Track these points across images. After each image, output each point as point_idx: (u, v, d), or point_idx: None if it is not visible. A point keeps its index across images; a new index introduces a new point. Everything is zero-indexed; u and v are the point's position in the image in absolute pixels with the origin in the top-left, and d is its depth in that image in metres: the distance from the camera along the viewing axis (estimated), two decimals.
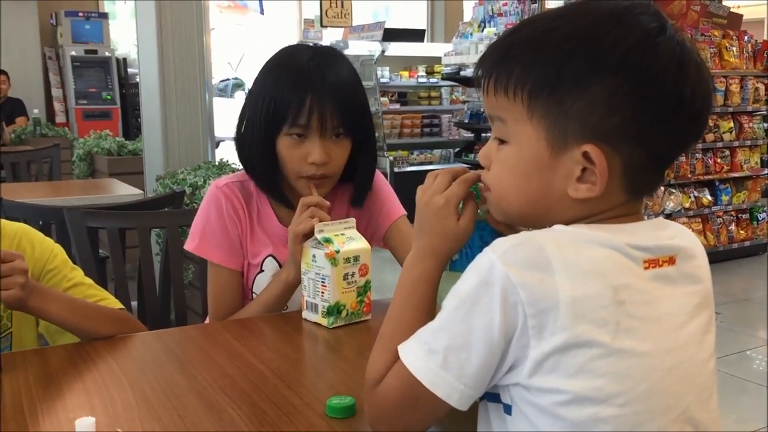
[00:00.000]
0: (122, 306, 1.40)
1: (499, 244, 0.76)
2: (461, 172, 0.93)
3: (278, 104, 1.41)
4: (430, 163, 6.78)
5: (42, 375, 1.13)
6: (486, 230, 0.96)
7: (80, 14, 8.59)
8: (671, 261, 0.80)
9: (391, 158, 6.37)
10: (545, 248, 0.74)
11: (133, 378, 1.12)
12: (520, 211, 0.86)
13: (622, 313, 0.74)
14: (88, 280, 1.39)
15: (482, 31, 5.21)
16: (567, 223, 0.82)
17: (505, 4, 5.06)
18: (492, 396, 0.81)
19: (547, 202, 0.82)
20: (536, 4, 4.76)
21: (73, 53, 8.46)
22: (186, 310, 1.97)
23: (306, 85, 1.40)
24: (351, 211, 1.57)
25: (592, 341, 0.73)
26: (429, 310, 0.88)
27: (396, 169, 6.30)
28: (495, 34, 4.99)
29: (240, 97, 13.38)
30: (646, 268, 0.78)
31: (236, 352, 1.24)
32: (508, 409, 0.78)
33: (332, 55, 1.49)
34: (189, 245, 1.52)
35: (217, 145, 4.71)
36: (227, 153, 4.43)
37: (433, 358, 0.77)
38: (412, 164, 6.66)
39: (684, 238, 0.84)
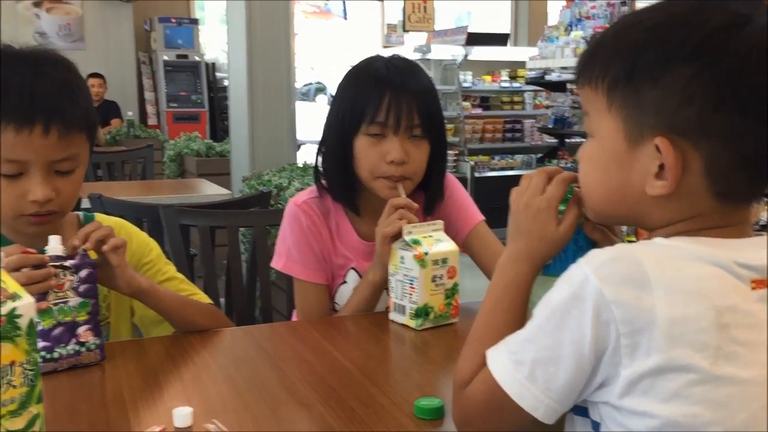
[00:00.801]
0: (212, 301, 1.44)
1: (595, 256, 0.74)
2: (556, 172, 0.92)
3: (357, 104, 1.44)
4: (512, 168, 6.69)
5: (140, 365, 1.17)
6: (580, 234, 0.94)
7: (173, 20, 8.90)
8: None
9: (472, 163, 6.33)
10: (643, 263, 0.71)
11: (225, 371, 1.15)
12: (603, 209, 0.85)
13: (725, 337, 0.70)
14: (181, 275, 1.43)
15: (569, 34, 5.11)
16: (656, 227, 0.79)
17: (594, 7, 4.95)
18: (580, 410, 0.79)
19: (628, 200, 0.79)
20: (626, 7, 4.63)
21: (166, 58, 8.78)
22: (271, 308, 2.01)
23: (384, 86, 1.43)
24: (426, 218, 1.57)
25: (689, 366, 0.69)
26: (520, 314, 0.87)
27: (477, 174, 6.25)
28: (582, 38, 4.89)
29: (321, 101, 13.59)
30: (753, 289, 0.73)
31: (324, 350, 1.25)
32: (596, 426, 0.76)
33: (409, 62, 1.51)
34: (276, 264, 1.55)
35: (299, 148, 4.80)
36: (308, 156, 4.52)
37: (520, 369, 0.76)
38: (493, 169, 6.59)
39: None
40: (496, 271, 0.92)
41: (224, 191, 3.50)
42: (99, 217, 1.39)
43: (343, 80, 1.52)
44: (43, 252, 1.12)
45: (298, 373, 1.14)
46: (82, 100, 1.21)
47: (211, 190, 3.43)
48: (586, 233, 0.94)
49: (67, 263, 1.13)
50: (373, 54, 1.57)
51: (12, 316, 0.79)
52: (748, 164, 0.74)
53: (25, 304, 0.81)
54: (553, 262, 0.94)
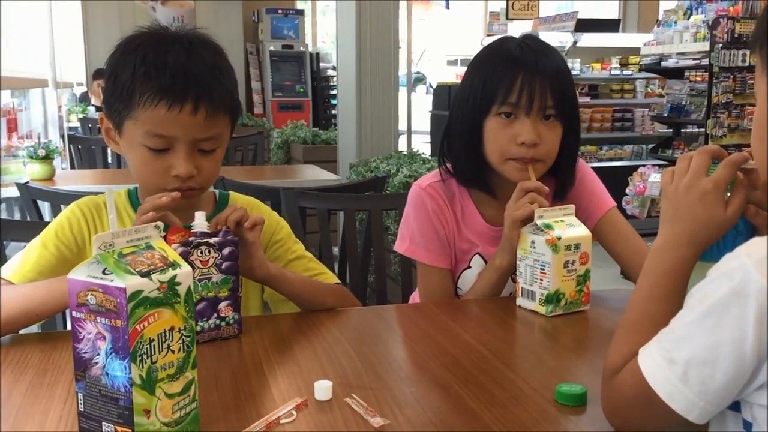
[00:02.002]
0: (338, 281, 1.45)
1: (757, 247, 0.67)
2: (720, 152, 0.86)
3: (488, 85, 1.41)
4: (620, 159, 6.47)
5: (276, 339, 1.20)
6: (741, 219, 0.89)
7: (279, 11, 9.11)
8: None
9: (579, 153, 6.15)
10: None
11: (358, 349, 1.16)
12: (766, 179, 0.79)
13: None
14: (309, 254, 1.45)
15: (688, 18, 4.87)
16: None
17: None
18: (733, 404, 0.73)
19: None
20: None
21: (272, 48, 9.00)
22: (386, 292, 2.02)
23: (517, 66, 1.39)
24: (556, 203, 1.52)
25: None
26: (677, 302, 0.82)
27: None
28: (703, 22, 4.65)
29: (421, 91, 13.57)
30: None
31: (454, 332, 1.24)
32: (748, 426, 0.71)
33: (542, 43, 1.47)
34: (399, 247, 1.54)
35: (399, 136, 4.81)
36: (404, 145, 4.52)
37: (673, 368, 0.71)
38: (601, 160, 6.40)
39: None
40: (650, 256, 0.88)
41: (333, 176, 3.55)
42: (233, 195, 1.43)
43: (473, 61, 1.50)
44: (190, 227, 1.16)
45: (431, 354, 1.13)
46: (229, 83, 1.25)
47: (321, 176, 3.48)
48: (747, 217, 0.88)
49: (212, 240, 1.16)
50: (501, 37, 1.54)
51: (172, 283, 0.82)
52: None
53: (184, 272, 0.84)
54: (710, 247, 0.89)
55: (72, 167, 4.67)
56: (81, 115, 6.60)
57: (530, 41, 1.44)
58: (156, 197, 1.18)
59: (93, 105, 7.30)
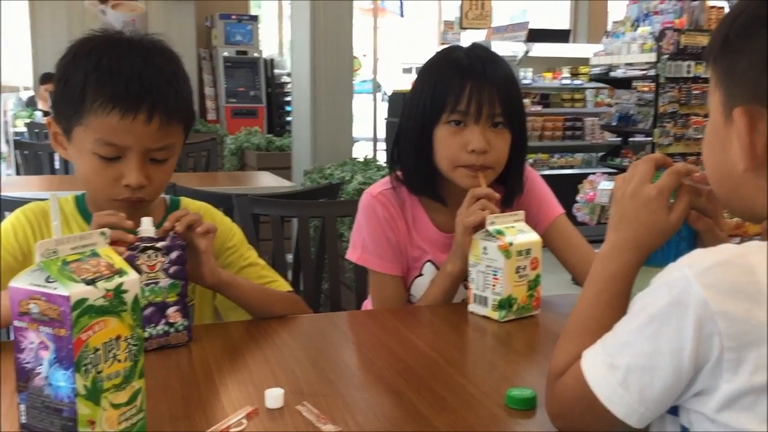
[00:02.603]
0: (291, 288, 1.44)
1: (699, 258, 0.68)
2: (665, 161, 0.89)
3: (438, 93, 1.42)
4: (571, 166, 6.58)
5: (226, 347, 1.18)
6: (684, 225, 0.91)
7: (233, 17, 9.03)
8: None
9: (531, 161, 6.25)
10: (756, 272, 0.65)
11: (310, 356, 1.15)
12: (717, 191, 0.81)
13: None
14: (262, 261, 1.44)
15: (636, 30, 4.99)
16: (756, 215, 0.75)
17: (662, 2, 4.83)
18: (672, 408, 0.74)
19: (731, 179, 0.76)
20: (697, 1, 4.51)
21: (226, 54, 8.92)
22: (339, 299, 2.01)
23: (466, 74, 1.41)
24: (504, 210, 1.54)
25: None
26: (622, 306, 0.83)
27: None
28: (650, 34, 4.77)
29: (377, 99, 13.61)
30: None
31: (406, 338, 1.24)
32: (684, 430, 0.73)
33: (490, 52, 1.49)
34: (351, 255, 1.54)
35: (353, 143, 4.81)
36: (361, 152, 4.54)
37: (614, 374, 0.72)
38: (553, 167, 6.50)
39: None
40: (596, 261, 0.89)
41: (288, 183, 3.53)
42: (185, 201, 1.41)
43: (422, 69, 1.51)
44: (135, 233, 1.14)
45: (384, 360, 1.13)
46: (184, 92, 1.23)
47: (275, 183, 3.45)
48: (690, 223, 0.91)
49: (159, 245, 1.14)
50: (449, 46, 1.56)
51: (119, 291, 0.81)
52: None
53: (131, 279, 0.83)
54: (653, 253, 0.91)
55: (18, 173, 4.54)
56: (27, 120, 6.43)
57: (478, 50, 1.46)
58: (104, 216, 1.14)
59: (40, 110, 7.13)
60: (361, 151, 5.02)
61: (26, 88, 8.29)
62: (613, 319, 0.77)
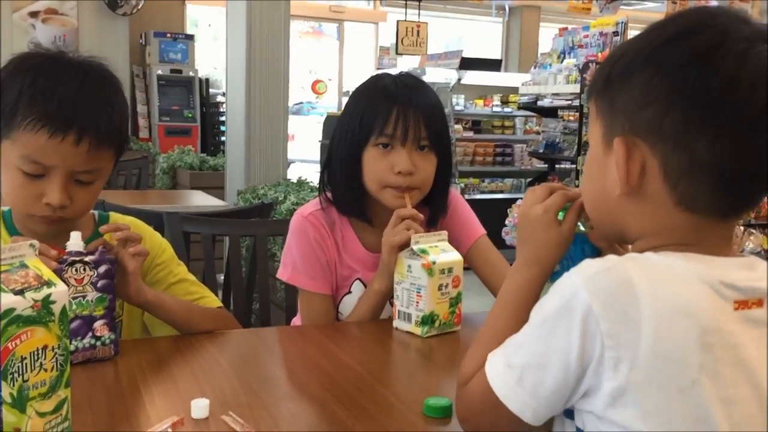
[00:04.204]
0: (221, 304, 1.47)
1: (586, 267, 0.76)
2: (559, 188, 0.96)
3: (366, 118, 1.48)
4: (501, 191, 6.76)
5: (153, 361, 1.20)
6: (588, 244, 0.98)
7: (168, 35, 8.96)
8: (759, 303, 0.77)
9: (462, 185, 6.40)
10: (633, 279, 0.73)
11: (237, 369, 1.18)
12: (593, 215, 0.89)
13: (707, 355, 0.73)
14: (192, 277, 1.46)
15: (561, 62, 5.21)
16: (635, 238, 0.83)
17: (587, 36, 5.06)
18: (569, 412, 0.81)
19: (607, 204, 0.83)
20: (618, 37, 4.74)
21: (159, 72, 8.82)
22: (269, 316, 2.04)
23: (393, 100, 1.48)
24: (429, 230, 1.61)
25: (670, 383, 0.72)
26: (525, 319, 0.90)
27: (466, 196, 6.31)
28: (575, 66, 4.99)
29: (313, 120, 13.67)
30: (735, 309, 0.75)
31: (332, 352, 1.28)
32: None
33: (416, 79, 1.57)
34: (282, 274, 1.57)
35: (288, 165, 4.84)
36: (296, 173, 4.58)
37: (511, 373, 0.79)
38: (483, 192, 6.67)
39: None
40: (507, 277, 0.96)
41: (220, 203, 3.53)
42: (114, 216, 1.42)
43: (352, 95, 1.57)
44: (64, 248, 1.15)
45: (309, 373, 1.17)
46: (118, 119, 1.24)
47: (207, 202, 3.45)
48: (593, 242, 0.98)
49: (87, 259, 1.16)
50: (378, 74, 1.62)
51: (47, 301, 0.83)
52: (702, 170, 0.75)
53: (59, 291, 0.85)
54: (560, 270, 0.98)
55: None
56: None
57: (405, 78, 1.53)
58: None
59: None
60: (298, 172, 5.05)
61: None
62: (516, 329, 0.83)
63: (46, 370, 0.83)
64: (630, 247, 0.89)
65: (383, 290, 1.47)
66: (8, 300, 0.78)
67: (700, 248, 0.78)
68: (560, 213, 0.93)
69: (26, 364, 0.80)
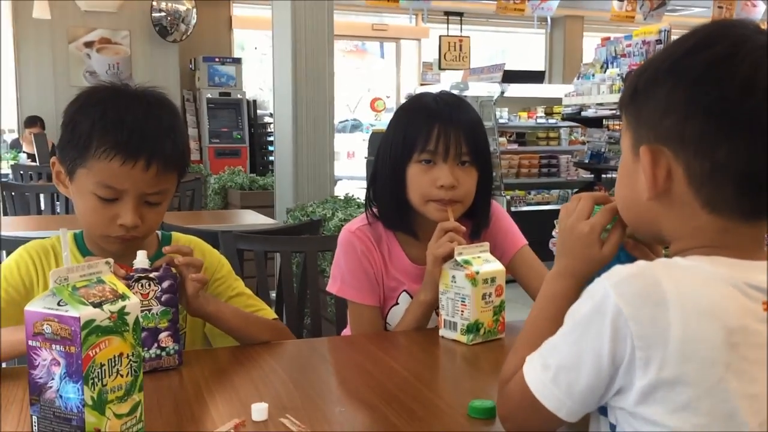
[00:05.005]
0: (276, 317, 1.55)
1: (616, 272, 0.80)
2: (604, 199, 1.00)
3: (408, 135, 1.56)
4: (548, 203, 6.75)
5: (215, 370, 1.28)
6: (623, 252, 1.03)
7: (216, 59, 9.23)
8: None
9: (509, 197, 6.41)
10: (662, 282, 0.77)
11: (293, 377, 1.25)
12: (628, 220, 0.93)
13: (734, 354, 0.76)
14: (249, 291, 1.55)
15: (604, 72, 5.22)
16: (671, 240, 0.87)
17: (629, 45, 5.06)
18: (603, 409, 0.85)
19: (639, 209, 0.88)
20: (661, 45, 4.72)
21: (209, 95, 9.08)
22: (321, 330, 2.11)
23: (434, 118, 1.55)
24: (472, 242, 1.66)
25: (697, 380, 0.75)
26: (561, 323, 0.95)
27: (513, 208, 6.33)
28: (618, 75, 4.99)
29: (358, 138, 13.83)
30: (765, 310, 0.79)
31: (381, 359, 1.35)
32: (612, 428, 0.83)
33: (456, 97, 1.64)
34: (331, 287, 1.65)
35: (335, 183, 4.94)
36: (343, 190, 4.67)
37: (546, 373, 0.84)
38: (530, 204, 6.66)
39: None
40: (543, 284, 1.01)
41: (271, 221, 3.64)
42: (176, 235, 1.52)
43: (395, 114, 1.65)
44: (131, 265, 1.25)
45: (359, 379, 1.24)
46: (180, 143, 1.35)
47: (258, 220, 3.56)
48: (628, 251, 1.03)
49: (152, 275, 1.25)
50: (419, 93, 1.69)
51: (122, 313, 0.91)
52: (724, 173, 0.79)
53: (133, 303, 0.93)
54: (597, 276, 1.03)
55: (5, 214, 4.62)
56: (12, 162, 6.51)
57: (445, 96, 1.60)
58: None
59: (24, 152, 7.20)
60: (345, 189, 5.15)
61: (11, 131, 8.37)
62: (553, 332, 0.88)
63: (122, 376, 0.91)
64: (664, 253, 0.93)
65: (429, 300, 1.53)
66: (88, 312, 0.87)
67: (729, 251, 0.82)
68: (603, 233, 0.98)
69: (105, 370, 0.88)
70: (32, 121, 7.35)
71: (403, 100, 1.72)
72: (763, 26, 0.86)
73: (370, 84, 13.65)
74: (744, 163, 0.79)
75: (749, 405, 0.76)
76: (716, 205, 0.82)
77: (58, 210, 4.48)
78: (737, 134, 0.78)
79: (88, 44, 8.57)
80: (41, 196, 4.44)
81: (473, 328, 1.42)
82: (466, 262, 1.44)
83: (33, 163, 6.53)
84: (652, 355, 0.76)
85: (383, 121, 12.49)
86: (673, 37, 4.90)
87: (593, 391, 0.81)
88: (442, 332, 1.48)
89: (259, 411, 1.05)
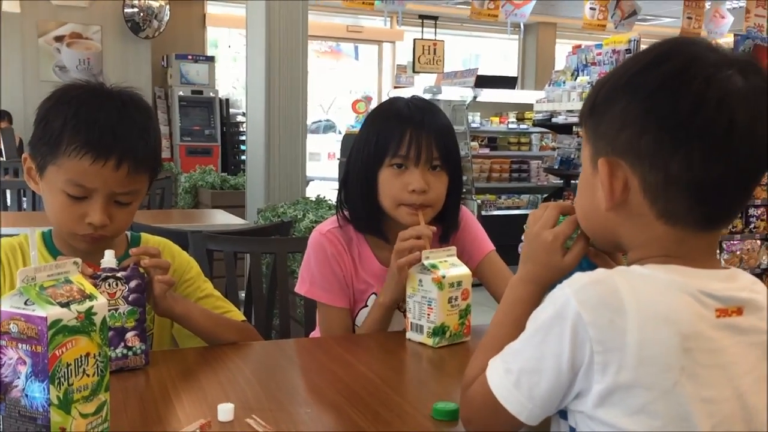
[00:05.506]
0: (245, 318, 1.55)
1: (577, 279, 0.83)
2: (569, 209, 1.03)
3: (381, 140, 1.58)
4: (518, 207, 6.82)
5: (182, 370, 1.29)
6: (585, 259, 1.06)
7: (189, 57, 9.16)
8: (739, 311, 0.84)
9: (479, 201, 6.46)
10: (620, 290, 0.80)
11: (259, 377, 1.27)
12: (587, 228, 0.97)
13: (688, 359, 0.79)
14: (217, 293, 1.55)
15: (575, 79, 5.29)
16: (628, 248, 0.90)
17: (599, 54, 5.14)
18: (563, 413, 0.88)
19: (598, 218, 0.91)
20: (630, 55, 4.81)
21: (181, 93, 9.01)
22: (289, 331, 2.12)
23: (406, 123, 1.57)
24: (441, 246, 1.68)
25: (653, 384, 0.78)
26: (523, 328, 0.98)
27: (483, 212, 6.38)
28: (588, 83, 5.07)
29: (331, 139, 13.83)
30: (717, 317, 0.82)
31: (347, 361, 1.36)
32: (572, 431, 0.86)
33: (428, 102, 1.66)
34: (300, 288, 1.66)
35: (307, 184, 4.95)
36: (315, 191, 4.68)
37: (509, 377, 0.86)
38: (500, 208, 6.73)
39: (754, 291, 0.87)
40: (507, 288, 1.04)
41: (241, 221, 3.63)
42: (145, 236, 1.52)
43: (367, 118, 1.66)
44: (99, 265, 1.25)
45: (326, 381, 1.25)
46: (153, 145, 1.36)
47: (228, 220, 3.55)
48: (590, 257, 1.06)
49: (119, 274, 1.25)
50: (391, 98, 1.71)
51: (89, 313, 0.92)
52: (677, 186, 0.83)
53: (100, 303, 0.94)
54: (559, 282, 1.06)
55: None
56: None
57: (417, 101, 1.62)
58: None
59: None
60: (317, 190, 5.15)
61: None
62: (515, 337, 0.90)
63: (88, 375, 0.91)
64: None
65: (388, 303, 1.55)
66: (55, 312, 0.87)
67: (683, 260, 0.86)
68: (567, 242, 1.01)
69: (71, 369, 0.89)
70: (1, 116, 7.24)
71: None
72: (724, 42, 0.89)
73: (344, 85, 13.65)
74: (696, 176, 0.82)
75: (703, 408, 0.80)
76: (671, 216, 0.85)
77: (25, 206, 4.42)
78: (689, 148, 0.81)
79: (59, 38, 8.44)
80: (7, 192, 4.38)
81: (439, 331, 1.44)
82: (433, 266, 1.46)
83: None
84: (609, 360, 0.79)
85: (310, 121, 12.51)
86: (643, 47, 5.01)
87: (553, 395, 0.83)
88: (408, 335, 1.50)
89: (226, 411, 1.05)
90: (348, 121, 10.79)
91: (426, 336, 1.46)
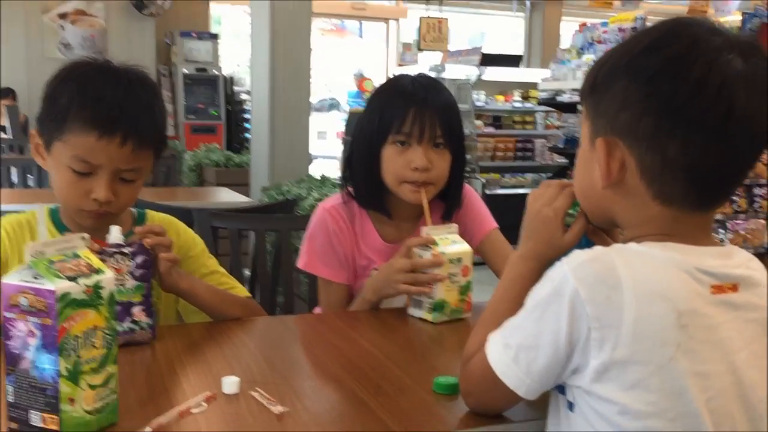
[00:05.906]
0: (249, 294, 1.58)
1: (575, 256, 0.85)
2: (569, 185, 1.05)
3: (384, 117, 1.59)
4: (522, 186, 6.82)
5: (188, 345, 1.31)
6: (584, 237, 1.07)
7: (193, 34, 9.12)
8: (734, 288, 0.86)
9: (484, 180, 6.47)
10: (617, 267, 0.82)
11: (264, 352, 1.29)
12: (584, 205, 0.98)
13: (683, 335, 0.81)
14: (222, 269, 1.57)
15: (581, 58, 5.26)
16: (625, 227, 0.91)
17: (605, 32, 5.11)
18: (561, 388, 0.90)
19: (595, 195, 0.93)
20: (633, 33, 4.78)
21: (185, 71, 8.99)
22: (293, 308, 2.15)
23: (409, 101, 1.57)
24: (444, 223, 1.70)
25: (649, 360, 0.80)
26: (522, 304, 0.99)
27: (488, 191, 6.39)
28: (594, 61, 5.03)
29: (335, 117, 13.80)
30: (713, 293, 0.84)
31: (350, 336, 1.39)
32: (570, 406, 0.88)
33: (432, 80, 1.66)
34: (300, 263, 1.68)
35: (311, 161, 4.96)
36: (319, 170, 4.69)
37: (507, 352, 0.88)
38: (504, 187, 6.73)
39: (750, 267, 0.90)
40: (507, 265, 1.06)
41: (245, 199, 3.64)
42: (150, 213, 1.54)
43: (372, 95, 1.67)
44: (105, 241, 1.27)
45: (329, 355, 1.27)
46: (159, 122, 1.37)
47: (233, 198, 3.57)
48: (588, 236, 1.07)
49: (126, 250, 1.27)
50: (396, 75, 1.72)
51: (97, 287, 0.94)
52: (674, 169, 0.84)
53: (107, 277, 0.96)
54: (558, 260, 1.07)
55: None
56: None
57: (421, 79, 1.63)
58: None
59: None
60: (321, 169, 5.16)
61: None
62: (514, 313, 0.92)
63: (96, 348, 0.94)
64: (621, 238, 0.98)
65: (374, 302, 1.57)
66: (64, 285, 0.89)
67: (679, 238, 0.87)
68: (567, 218, 1.02)
69: (80, 342, 0.91)
70: (4, 93, 7.23)
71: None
72: (731, 20, 0.90)
73: (350, 63, 13.58)
74: (693, 161, 0.83)
75: (697, 383, 0.82)
76: (666, 197, 0.86)
77: (31, 183, 4.45)
78: (688, 132, 0.82)
79: (62, 15, 8.41)
80: (10, 169, 4.40)
81: (439, 307, 1.46)
82: (433, 243, 1.48)
83: (5, 136, 6.46)
84: (606, 336, 0.81)
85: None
86: (648, 25, 4.95)
87: (551, 370, 0.85)
88: (409, 310, 1.53)
89: (230, 384, 1.08)
90: (352, 99, 10.79)
91: (426, 312, 1.48)
